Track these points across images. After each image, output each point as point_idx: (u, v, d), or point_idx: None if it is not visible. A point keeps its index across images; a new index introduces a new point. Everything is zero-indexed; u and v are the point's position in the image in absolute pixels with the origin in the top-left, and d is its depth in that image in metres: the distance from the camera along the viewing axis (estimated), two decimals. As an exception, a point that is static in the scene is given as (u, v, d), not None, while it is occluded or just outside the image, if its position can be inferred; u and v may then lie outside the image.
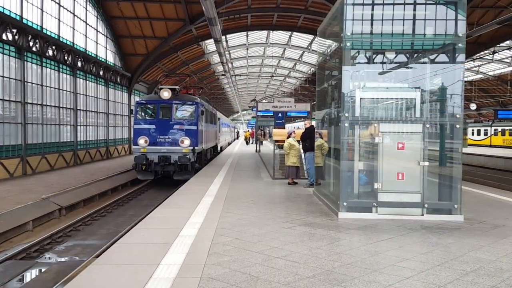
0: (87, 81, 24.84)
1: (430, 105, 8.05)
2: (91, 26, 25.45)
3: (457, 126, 7.42)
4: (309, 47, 38.43)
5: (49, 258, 8.85)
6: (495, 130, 41.49)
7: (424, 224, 6.97)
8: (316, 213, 7.90)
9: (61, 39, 21.24)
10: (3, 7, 16.34)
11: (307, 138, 11.47)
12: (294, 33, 34.21)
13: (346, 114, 7.44)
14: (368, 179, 7.84)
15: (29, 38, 18.12)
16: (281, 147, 14.55)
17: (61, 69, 21.31)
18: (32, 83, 18.53)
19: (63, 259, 8.79)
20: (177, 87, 18.35)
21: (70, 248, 9.60)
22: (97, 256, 6.82)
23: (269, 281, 4.34)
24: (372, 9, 7.94)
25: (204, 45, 35.16)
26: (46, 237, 9.75)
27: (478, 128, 44.78)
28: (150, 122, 16.81)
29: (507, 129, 39.56)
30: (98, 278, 4.48)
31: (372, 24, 7.98)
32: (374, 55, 8.91)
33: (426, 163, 7.28)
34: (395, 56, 9.09)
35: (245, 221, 7.08)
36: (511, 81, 41.85)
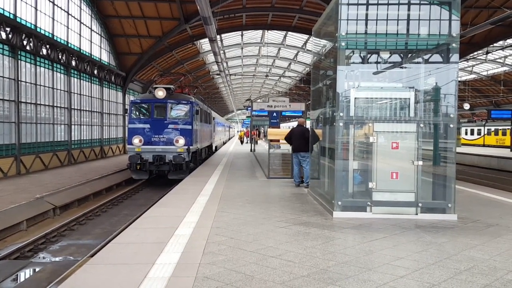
0: (82, 80, 24.75)
1: (424, 104, 8.09)
2: (85, 25, 25.35)
3: (451, 125, 7.45)
4: (304, 47, 38.48)
5: (43, 257, 8.83)
6: (488, 129, 41.74)
7: (418, 223, 7.00)
8: (311, 212, 7.92)
9: (55, 38, 21.14)
10: (-4, 6, 16.26)
11: (289, 139, 11.63)
12: (289, 32, 34.23)
13: (341, 114, 7.45)
14: (362, 179, 7.87)
15: (23, 37, 18.02)
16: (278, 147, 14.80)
17: (55, 68, 21.22)
18: (26, 82, 18.43)
19: (57, 259, 8.77)
20: (171, 86, 18.33)
21: (64, 247, 9.57)
22: (92, 256, 6.80)
23: (264, 280, 4.36)
24: (367, 9, 7.95)
25: (199, 45, 35.10)
26: (40, 236, 9.72)
27: (472, 127, 45.04)
28: (145, 121, 16.78)
29: (500, 129, 39.81)
30: (92, 277, 4.47)
31: (366, 24, 8.00)
32: (369, 55, 8.95)
33: (420, 163, 7.31)
34: (390, 56, 9.12)
35: (240, 221, 7.09)
36: (504, 81, 42.12)
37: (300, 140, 11.25)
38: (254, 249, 5.44)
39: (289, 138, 11.69)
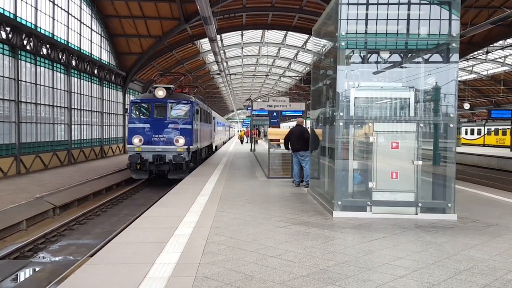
0: (82, 80, 24.75)
1: (424, 104, 8.08)
2: (85, 24, 25.34)
3: (451, 125, 7.45)
4: (304, 47, 38.47)
5: (43, 257, 8.82)
6: (488, 129, 41.74)
7: (418, 223, 7.00)
8: (311, 212, 7.92)
9: (55, 38, 21.14)
10: (-4, 5, 16.25)
11: (288, 139, 11.74)
12: (289, 32, 34.22)
13: (341, 114, 7.45)
14: (362, 178, 7.87)
15: (23, 37, 18.02)
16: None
17: (55, 68, 21.21)
18: (26, 81, 18.43)
19: (57, 259, 8.76)
20: (172, 86, 18.30)
21: (64, 247, 9.56)
22: (92, 256, 6.80)
23: (264, 280, 4.35)
24: (367, 9, 7.95)
25: (199, 44, 35.10)
26: (40, 236, 9.72)
27: (472, 127, 45.03)
28: (145, 121, 16.76)
29: (500, 129, 39.81)
30: (92, 277, 4.47)
31: (366, 24, 7.99)
32: (369, 55, 8.94)
33: (420, 162, 7.31)
34: (390, 56, 9.11)
35: (240, 220, 7.09)
36: (504, 80, 42.09)
37: (299, 140, 11.31)
38: (253, 249, 5.44)
39: (287, 138, 11.74)
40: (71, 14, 23.19)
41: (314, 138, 10.52)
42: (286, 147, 12.03)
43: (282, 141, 12.81)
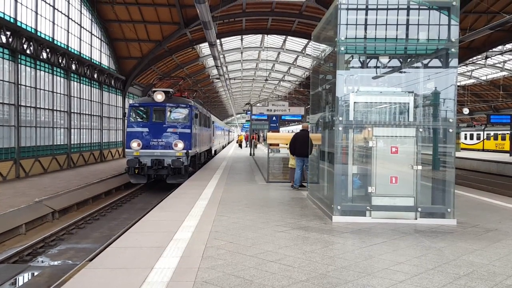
0: (81, 84, 24.78)
1: (423, 109, 8.10)
2: (85, 29, 25.40)
3: (450, 130, 7.46)
4: (303, 51, 38.56)
5: (42, 261, 8.80)
6: (487, 134, 41.78)
7: (418, 228, 7.00)
8: (310, 216, 7.92)
9: (55, 42, 21.17)
10: (-3, 10, 16.28)
11: (292, 143, 11.82)
12: (289, 37, 34.33)
13: (340, 118, 7.47)
14: (361, 183, 7.87)
15: (23, 41, 18.05)
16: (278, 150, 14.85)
17: (55, 72, 21.23)
18: (26, 85, 18.44)
19: (56, 263, 8.74)
20: (171, 90, 18.27)
21: (63, 251, 9.54)
22: (91, 260, 6.80)
23: (263, 284, 4.35)
24: (366, 14, 7.98)
25: (198, 49, 35.19)
26: (39, 240, 9.69)
27: (471, 132, 45.07)
28: (143, 125, 16.69)
29: (499, 134, 39.85)
30: (91, 282, 4.46)
31: (366, 29, 8.02)
32: (368, 60, 8.96)
33: (420, 167, 7.31)
34: (389, 61, 9.14)
35: (239, 225, 7.08)
36: (504, 85, 42.18)
37: (305, 144, 11.27)
38: (253, 253, 5.43)
39: (293, 143, 11.72)
40: (71, 19, 23.24)
41: (311, 143, 10.55)
42: (292, 152, 11.94)
43: (282, 145, 12.78)
